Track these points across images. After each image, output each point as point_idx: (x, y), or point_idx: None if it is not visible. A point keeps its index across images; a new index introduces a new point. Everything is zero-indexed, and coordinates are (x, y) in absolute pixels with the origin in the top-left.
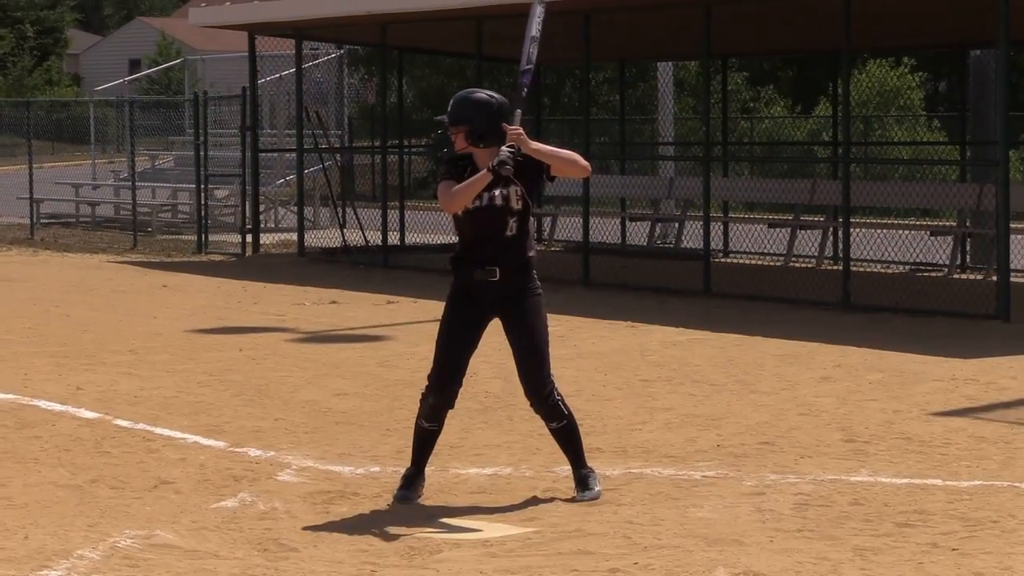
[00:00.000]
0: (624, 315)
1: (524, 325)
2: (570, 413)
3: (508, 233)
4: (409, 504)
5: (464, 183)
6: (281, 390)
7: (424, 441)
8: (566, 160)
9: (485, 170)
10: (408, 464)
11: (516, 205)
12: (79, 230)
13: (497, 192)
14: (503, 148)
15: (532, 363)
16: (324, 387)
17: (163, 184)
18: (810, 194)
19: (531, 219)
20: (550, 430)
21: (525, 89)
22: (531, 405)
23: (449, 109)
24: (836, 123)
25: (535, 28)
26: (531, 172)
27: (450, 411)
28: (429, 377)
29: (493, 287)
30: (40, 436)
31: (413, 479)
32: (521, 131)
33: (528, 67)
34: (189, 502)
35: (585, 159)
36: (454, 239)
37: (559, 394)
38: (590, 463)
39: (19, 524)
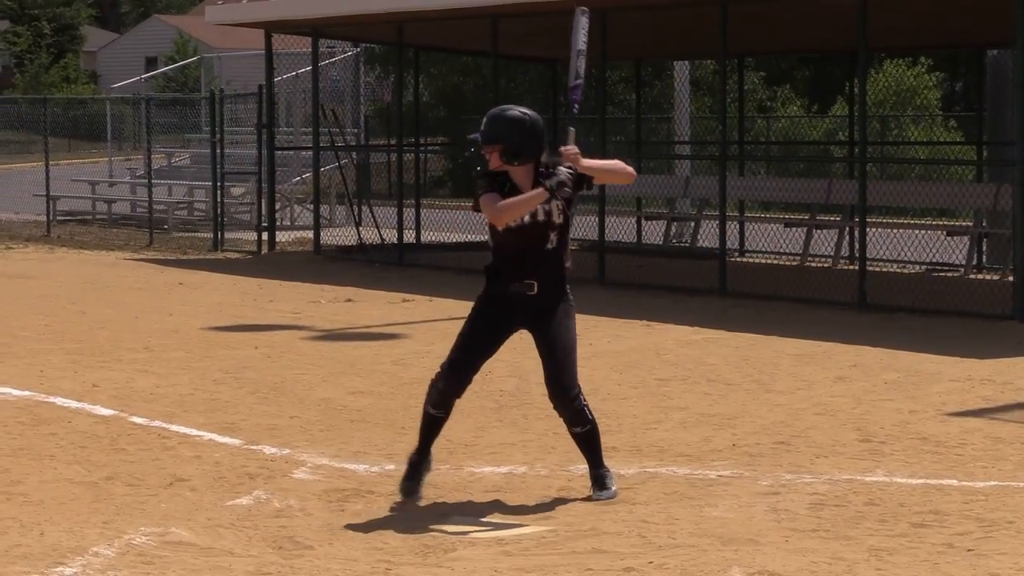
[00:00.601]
0: (639, 314)
1: (555, 331)
2: (593, 418)
3: (548, 247)
4: (413, 496)
5: (517, 199)
6: (296, 388)
7: (430, 427)
8: (616, 172)
9: (542, 189)
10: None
11: (558, 220)
12: (95, 227)
13: (539, 207)
14: (561, 168)
15: (560, 366)
16: (339, 385)
17: (179, 182)
18: (826, 194)
19: (570, 231)
20: (572, 434)
21: (577, 105)
22: (555, 407)
23: (482, 127)
24: (852, 122)
25: (582, 40)
26: (577, 185)
27: (465, 409)
28: (442, 365)
29: (528, 300)
30: (56, 433)
31: (418, 467)
32: (578, 151)
33: (578, 82)
34: (204, 499)
35: (602, 158)
36: (470, 237)
37: (585, 399)
38: (605, 461)
39: (35, 521)
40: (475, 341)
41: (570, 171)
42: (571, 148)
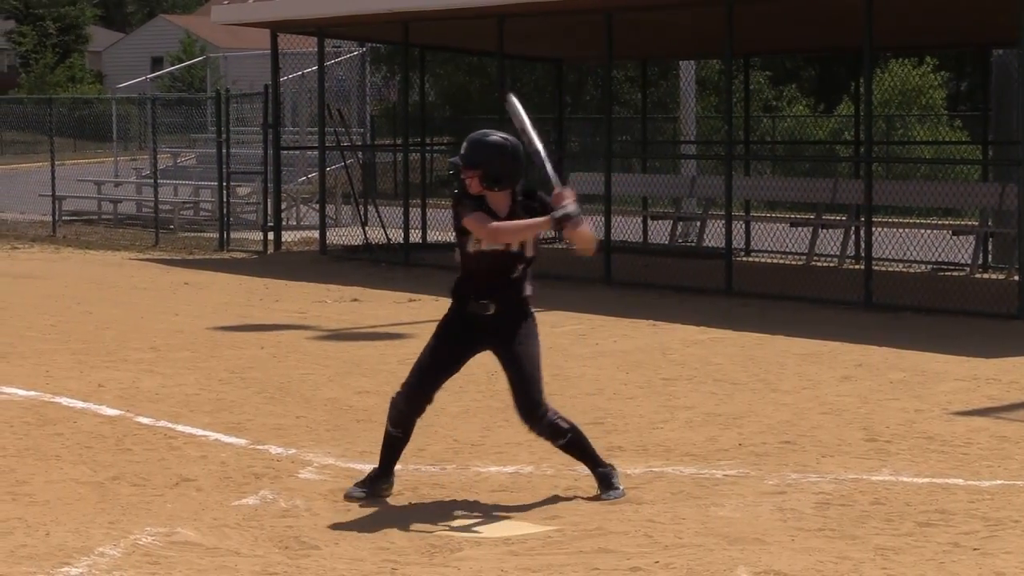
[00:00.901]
0: (646, 314)
1: (516, 352)
2: (571, 425)
3: (513, 275)
4: (357, 501)
5: (519, 223)
6: (302, 388)
7: (391, 447)
8: (585, 239)
9: (548, 218)
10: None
11: (530, 253)
12: (101, 227)
13: None
14: (568, 202)
15: (525, 388)
16: (345, 385)
17: (185, 181)
18: (832, 193)
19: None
20: (558, 447)
21: (548, 164)
22: (530, 428)
23: (463, 151)
24: (858, 122)
25: (524, 119)
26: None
27: (471, 409)
28: (403, 384)
29: (487, 320)
30: (62, 433)
31: (375, 481)
32: (569, 195)
33: (537, 149)
34: (210, 499)
35: (607, 157)
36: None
37: (553, 411)
38: (612, 462)
39: (41, 521)
40: (437, 361)
41: (565, 211)
42: (567, 192)
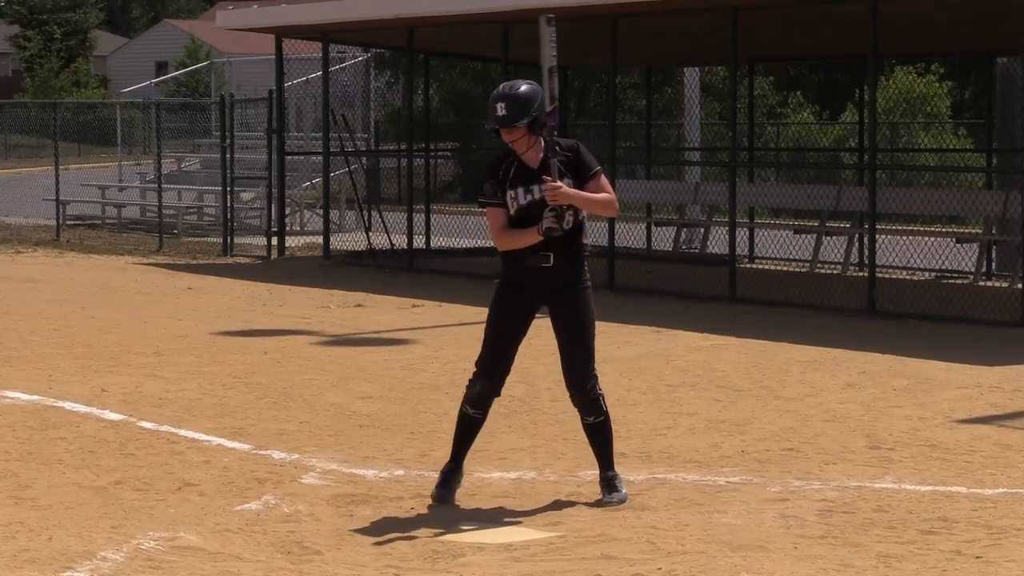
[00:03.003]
0: (649, 320)
1: (573, 318)
2: (607, 412)
3: (568, 217)
4: (445, 504)
5: (517, 237)
6: (306, 393)
7: (466, 430)
8: (599, 204)
9: (536, 231)
10: (448, 460)
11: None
12: (105, 232)
13: (535, 187)
14: (547, 212)
15: (578, 356)
16: (349, 390)
17: (189, 186)
18: (836, 200)
19: (584, 216)
20: (585, 425)
21: (555, 130)
22: (571, 397)
23: (502, 111)
24: (862, 129)
25: (551, 55)
26: (579, 173)
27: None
28: (477, 363)
29: (545, 273)
30: (65, 437)
31: (451, 476)
32: (560, 185)
33: (554, 104)
34: (213, 504)
35: (611, 163)
36: (480, 243)
37: (600, 390)
38: (616, 467)
39: (43, 525)
40: (501, 331)
41: (553, 215)
42: (553, 184)
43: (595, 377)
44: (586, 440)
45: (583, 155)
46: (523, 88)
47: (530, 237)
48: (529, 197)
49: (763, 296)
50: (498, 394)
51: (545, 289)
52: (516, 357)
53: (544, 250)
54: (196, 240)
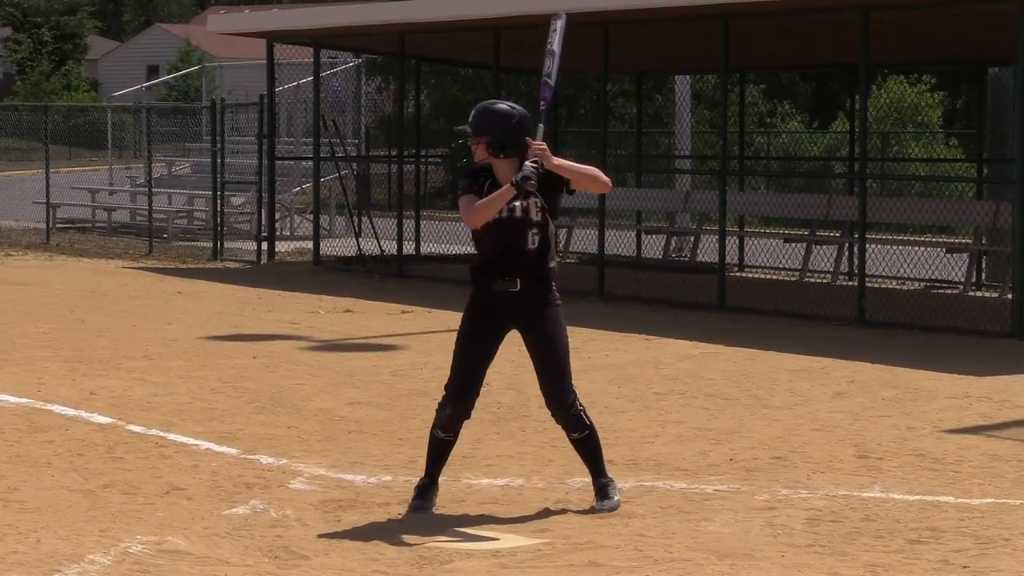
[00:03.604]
0: (638, 328)
1: (544, 336)
2: (591, 424)
3: (529, 246)
4: (423, 515)
5: (487, 198)
6: (294, 398)
7: (439, 451)
8: (588, 176)
9: (508, 185)
10: (422, 475)
11: (536, 217)
12: (95, 235)
13: (517, 204)
14: (527, 163)
15: (553, 374)
16: (337, 396)
17: (179, 191)
18: (826, 209)
19: (553, 231)
20: (571, 440)
21: (546, 103)
22: (553, 415)
23: (470, 119)
24: (853, 138)
25: (556, 43)
26: (552, 185)
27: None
28: (446, 387)
29: (512, 298)
30: (53, 440)
31: (426, 489)
32: (545, 146)
33: (547, 81)
34: (201, 508)
35: (601, 171)
36: (470, 250)
37: (581, 404)
38: (607, 473)
39: (31, 528)
40: (470, 354)
41: (535, 166)
42: (539, 143)
43: (572, 393)
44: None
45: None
46: (499, 107)
47: (503, 195)
48: (504, 213)
49: (752, 304)
50: (468, 416)
51: (513, 312)
52: (494, 373)
53: (510, 275)
54: (186, 244)
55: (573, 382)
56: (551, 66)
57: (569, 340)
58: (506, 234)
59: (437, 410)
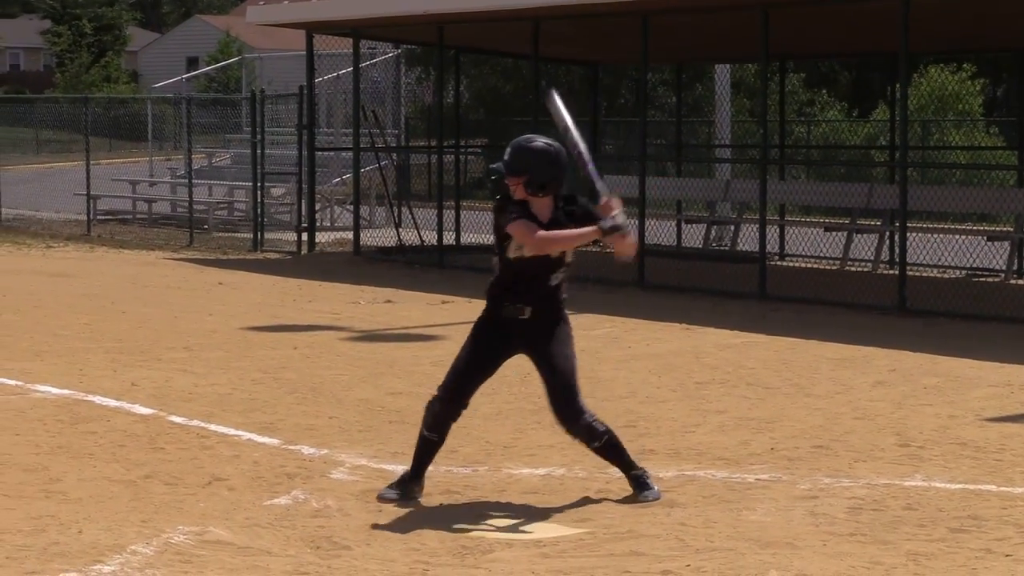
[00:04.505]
0: (679, 317)
1: (552, 351)
2: (606, 428)
3: (551, 283)
4: (390, 502)
5: (568, 233)
6: (335, 388)
7: (424, 451)
8: (629, 249)
9: (596, 228)
10: (408, 468)
11: (569, 259)
12: (135, 227)
13: None
14: (617, 212)
15: (562, 395)
16: (378, 386)
17: (220, 182)
18: (867, 198)
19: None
20: (592, 450)
21: (592, 168)
22: (565, 431)
23: (507, 157)
24: (894, 127)
25: (563, 117)
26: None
27: (504, 411)
28: (439, 387)
29: (520, 323)
30: (95, 431)
31: (406, 484)
32: (620, 204)
33: (581, 154)
34: (242, 499)
35: (642, 161)
36: None
37: (590, 414)
38: (644, 465)
39: (73, 519)
40: (472, 365)
41: (625, 224)
42: (613, 200)
43: (580, 412)
44: None
45: (589, 208)
46: (535, 144)
47: (586, 236)
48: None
49: (793, 293)
50: (454, 419)
51: (522, 336)
52: (525, 364)
53: (523, 303)
54: (226, 235)
55: (582, 400)
56: (574, 138)
57: (608, 330)
58: (539, 267)
59: (426, 407)
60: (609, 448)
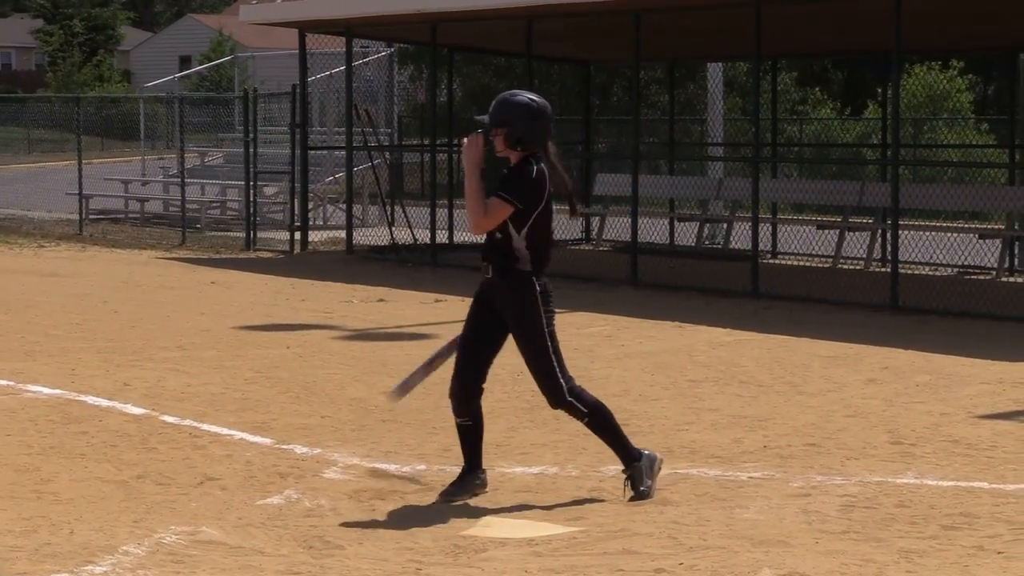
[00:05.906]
0: (672, 315)
1: (517, 337)
2: (592, 405)
3: (496, 235)
4: (454, 502)
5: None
6: (328, 387)
7: (463, 439)
8: (471, 198)
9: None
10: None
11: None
12: (128, 226)
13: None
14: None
15: (533, 372)
16: (371, 385)
17: (212, 181)
18: (859, 196)
19: (525, 235)
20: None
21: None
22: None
23: (490, 110)
24: (885, 125)
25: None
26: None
27: (496, 410)
28: (452, 372)
29: (488, 287)
30: (87, 431)
31: (464, 478)
32: (475, 146)
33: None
34: (235, 499)
35: (635, 159)
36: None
37: (575, 391)
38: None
39: (65, 519)
40: (468, 336)
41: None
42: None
43: (561, 387)
44: None
45: (511, 177)
46: (518, 97)
47: (470, 175)
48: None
49: (786, 292)
50: (469, 398)
51: (495, 299)
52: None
53: (483, 260)
54: (219, 234)
55: (560, 375)
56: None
57: (600, 329)
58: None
59: (449, 396)
60: (597, 429)
